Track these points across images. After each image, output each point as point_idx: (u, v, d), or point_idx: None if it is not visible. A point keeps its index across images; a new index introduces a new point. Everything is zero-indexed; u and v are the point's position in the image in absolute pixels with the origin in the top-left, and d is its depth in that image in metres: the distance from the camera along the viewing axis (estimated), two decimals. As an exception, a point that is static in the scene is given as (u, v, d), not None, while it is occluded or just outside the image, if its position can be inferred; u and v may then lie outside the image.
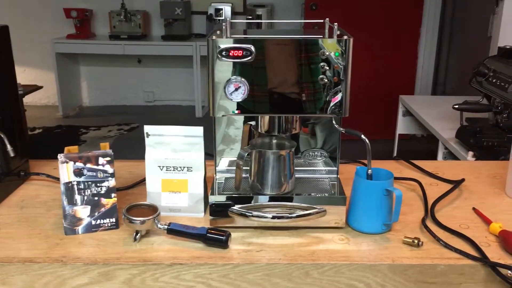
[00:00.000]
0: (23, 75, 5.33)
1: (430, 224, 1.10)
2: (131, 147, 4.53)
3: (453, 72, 4.83)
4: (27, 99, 4.72)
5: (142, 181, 1.31)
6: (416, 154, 3.94)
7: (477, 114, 2.31)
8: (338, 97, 1.02)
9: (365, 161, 1.45)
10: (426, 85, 4.66)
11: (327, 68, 0.99)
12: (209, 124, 1.16)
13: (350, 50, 0.99)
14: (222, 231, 1.02)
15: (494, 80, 1.94)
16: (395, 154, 3.07)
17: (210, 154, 1.30)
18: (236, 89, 1.01)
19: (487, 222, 1.10)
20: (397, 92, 3.50)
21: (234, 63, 0.99)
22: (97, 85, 5.72)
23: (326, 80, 1.00)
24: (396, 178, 1.30)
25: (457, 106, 2.03)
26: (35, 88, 4.69)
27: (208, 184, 1.17)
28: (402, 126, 3.03)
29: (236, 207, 1.07)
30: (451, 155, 2.32)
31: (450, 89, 4.87)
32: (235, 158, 1.17)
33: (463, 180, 1.29)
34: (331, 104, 1.02)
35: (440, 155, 2.38)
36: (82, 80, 5.73)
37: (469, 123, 2.24)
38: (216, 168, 1.19)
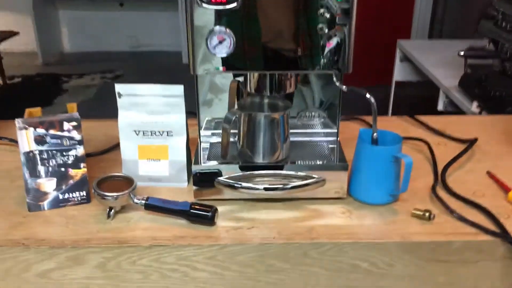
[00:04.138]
0: (-2, 20, 5.04)
1: (440, 191, 0.98)
2: (116, 97, 4.34)
3: (451, 10, 4.62)
4: (4, 46, 4.46)
5: (118, 145, 1.16)
6: (414, 101, 3.80)
7: (481, 60, 2.16)
8: (337, 48, 0.87)
9: (365, 118, 1.33)
10: (424, 25, 4.45)
11: (327, 15, 0.84)
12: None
13: (355, -6, 0.83)
14: (208, 206, 0.90)
15: (503, 24, 1.78)
16: (391, 102, 2.94)
17: (194, 112, 1.16)
18: (221, 42, 0.85)
19: (505, 189, 0.98)
20: (393, 32, 3.31)
21: (217, 11, 0.83)
22: (78, 30, 5.44)
23: (326, 30, 0.85)
24: (400, 137, 1.18)
25: (462, 53, 1.88)
26: (10, 34, 4.44)
27: (192, 149, 1.04)
28: (400, 73, 2.88)
29: (223, 177, 0.94)
30: (452, 105, 2.20)
31: (448, 28, 4.67)
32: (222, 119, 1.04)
33: (475, 140, 1.17)
34: (331, 57, 0.87)
35: (440, 104, 2.25)
36: (62, 26, 5.45)
37: (472, 70, 2.10)
38: (200, 131, 1.05)
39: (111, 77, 4.71)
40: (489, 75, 1.92)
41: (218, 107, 1.06)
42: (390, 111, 2.92)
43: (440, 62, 2.46)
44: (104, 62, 5.09)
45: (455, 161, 1.08)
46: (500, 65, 1.94)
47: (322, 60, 0.87)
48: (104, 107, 3.91)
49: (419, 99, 3.69)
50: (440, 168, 1.06)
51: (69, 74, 4.76)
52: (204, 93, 1.04)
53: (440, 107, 2.26)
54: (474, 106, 1.85)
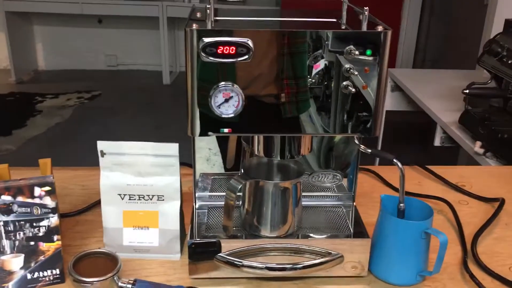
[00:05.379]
0: (-31, 36, 4.81)
1: (472, 266, 0.86)
2: (93, 119, 4.16)
3: (433, 39, 4.60)
4: (-26, 63, 4.25)
5: (100, 202, 1.01)
6: (406, 131, 3.71)
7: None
8: (362, 109, 0.75)
9: (374, 169, 1.20)
10: (408, 54, 4.41)
11: (354, 72, 0.71)
12: (177, 91, 0.85)
13: (387, 47, 0.70)
14: (207, 293, 0.75)
15: (509, 61, 1.69)
16: (381, 133, 2.83)
17: (188, 164, 1.02)
18: (227, 100, 0.71)
19: (546, 266, 0.86)
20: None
21: (223, 63, 0.70)
22: (54, 47, 5.24)
23: (352, 89, 0.72)
24: (414, 194, 1.05)
25: (467, 91, 1.78)
26: (-18, 51, 4.23)
27: (185, 208, 0.89)
28: (391, 103, 2.78)
29: (224, 253, 0.79)
30: (450, 140, 2.10)
31: (431, 56, 4.65)
32: (222, 175, 0.91)
33: (503, 201, 1.05)
34: (355, 119, 0.75)
35: (437, 140, 2.15)
36: (37, 42, 5.24)
37: (471, 104, 2.00)
38: (196, 195, 0.90)
39: (88, 97, 4.52)
40: (490, 112, 1.83)
41: (212, 157, 0.93)
42: (380, 142, 2.82)
43: (435, 93, 2.37)
44: (81, 81, 4.89)
45: (485, 229, 0.96)
46: (503, 103, 1.85)
47: (344, 122, 0.74)
48: (80, 130, 3.75)
49: (411, 129, 3.61)
50: (466, 234, 0.94)
51: (43, 94, 4.55)
52: (197, 140, 0.88)
53: (437, 143, 2.15)
54: (478, 147, 1.75)
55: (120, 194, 0.86)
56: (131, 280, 0.76)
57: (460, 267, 0.87)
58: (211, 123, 0.73)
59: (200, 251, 0.81)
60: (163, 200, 0.86)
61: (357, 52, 0.69)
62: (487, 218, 1.00)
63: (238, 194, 0.80)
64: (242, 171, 0.83)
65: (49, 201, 0.79)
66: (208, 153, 0.92)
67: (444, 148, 2.25)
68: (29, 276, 0.80)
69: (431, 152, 2.69)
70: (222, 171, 0.93)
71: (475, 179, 1.17)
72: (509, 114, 1.81)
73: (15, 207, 0.78)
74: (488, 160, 1.73)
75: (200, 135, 0.74)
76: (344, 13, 0.79)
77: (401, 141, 3.48)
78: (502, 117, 1.80)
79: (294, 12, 0.85)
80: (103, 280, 0.74)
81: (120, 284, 0.76)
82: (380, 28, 0.70)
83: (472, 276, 0.82)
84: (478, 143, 1.76)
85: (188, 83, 0.71)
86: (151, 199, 0.86)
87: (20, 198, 0.78)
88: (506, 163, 1.64)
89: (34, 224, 0.79)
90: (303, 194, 0.89)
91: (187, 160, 0.98)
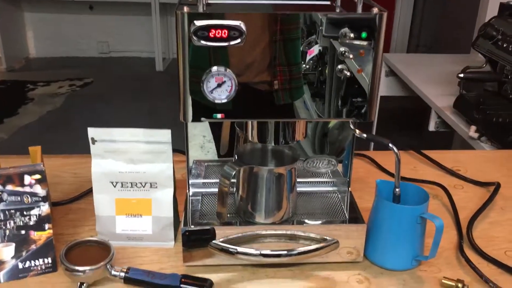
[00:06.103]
0: (-42, 24, 4.74)
1: (468, 251, 0.86)
2: (85, 107, 4.13)
3: (428, 23, 4.58)
4: (-36, 51, 4.20)
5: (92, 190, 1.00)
6: (400, 116, 3.70)
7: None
8: (357, 94, 0.73)
9: (369, 154, 1.20)
10: (403, 39, 4.39)
11: (349, 55, 0.70)
12: (170, 78, 0.84)
13: (382, 30, 0.69)
14: (202, 280, 0.75)
15: (504, 45, 1.68)
16: (376, 118, 2.82)
17: (181, 151, 1.01)
18: (220, 85, 0.70)
19: (541, 249, 0.86)
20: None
21: (215, 48, 0.68)
22: (45, 34, 5.17)
23: (347, 73, 0.70)
24: (409, 179, 1.05)
25: (462, 76, 1.77)
26: (-29, 39, 4.18)
27: (178, 196, 0.88)
28: (385, 88, 2.77)
29: (218, 240, 0.79)
30: (444, 125, 2.09)
31: (425, 41, 4.64)
32: (216, 161, 0.89)
33: (499, 185, 1.04)
34: (350, 104, 0.73)
35: (432, 125, 2.14)
36: (28, 29, 5.17)
37: (465, 89, 1.99)
38: (189, 181, 0.89)
39: (80, 84, 4.48)
40: (486, 97, 1.82)
41: (206, 145, 0.91)
42: (374, 128, 2.81)
43: (429, 78, 2.36)
44: (72, 68, 4.84)
45: (481, 213, 0.95)
46: (497, 87, 1.84)
47: (339, 107, 0.73)
48: (72, 118, 3.71)
49: (406, 114, 3.60)
50: (462, 218, 0.94)
51: (35, 81, 4.50)
52: (190, 127, 0.87)
53: (431, 127, 2.15)
54: (472, 131, 1.75)
55: (112, 182, 0.84)
56: (125, 268, 0.75)
57: (456, 251, 0.86)
58: (204, 108, 0.72)
59: (194, 239, 0.80)
60: (156, 187, 0.84)
61: (352, 35, 0.68)
62: (482, 203, 0.99)
63: (232, 180, 0.79)
64: (236, 157, 0.81)
65: (39, 190, 0.78)
66: (201, 140, 0.91)
67: (438, 133, 2.25)
68: (20, 265, 0.79)
69: (426, 137, 2.69)
70: (216, 157, 0.92)
71: (470, 164, 1.17)
72: (503, 98, 1.81)
73: (4, 196, 0.77)
74: (482, 144, 1.72)
75: (193, 120, 0.73)
76: (338, -4, 0.77)
77: (396, 127, 3.48)
78: (497, 101, 1.79)
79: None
80: (95, 268, 0.73)
81: (113, 272, 0.75)
82: (375, 10, 0.68)
83: (468, 261, 0.82)
84: (473, 128, 1.75)
85: (180, 68, 0.70)
86: (143, 187, 0.84)
87: (9, 187, 0.77)
88: (500, 147, 1.63)
89: (25, 212, 0.78)
90: (298, 180, 0.88)
91: (180, 147, 0.97)
